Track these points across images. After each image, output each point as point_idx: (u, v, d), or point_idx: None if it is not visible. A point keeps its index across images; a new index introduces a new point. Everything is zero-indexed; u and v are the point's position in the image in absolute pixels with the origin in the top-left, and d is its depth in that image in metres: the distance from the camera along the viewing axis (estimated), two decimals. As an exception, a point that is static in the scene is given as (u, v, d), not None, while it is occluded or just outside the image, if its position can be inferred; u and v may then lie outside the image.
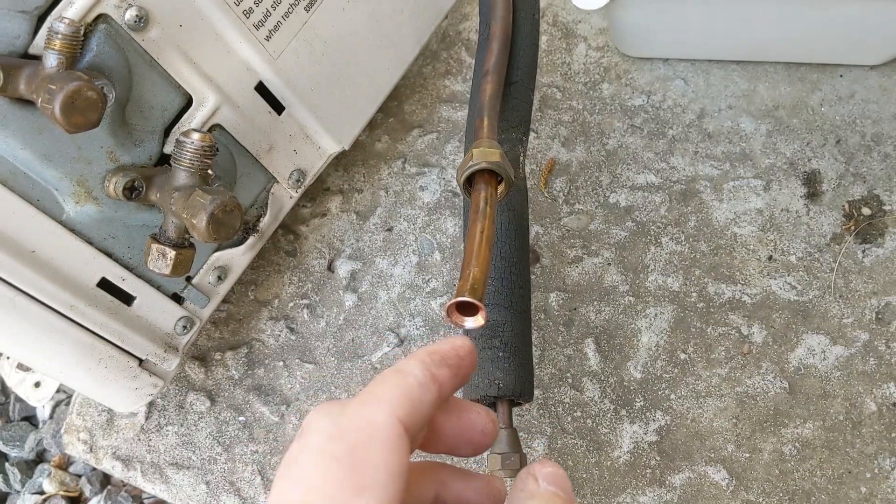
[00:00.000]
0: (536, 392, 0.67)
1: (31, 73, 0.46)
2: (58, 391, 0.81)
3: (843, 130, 0.74)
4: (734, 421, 0.65)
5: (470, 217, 0.45)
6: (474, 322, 0.34)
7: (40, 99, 0.45)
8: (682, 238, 0.72)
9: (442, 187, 0.77)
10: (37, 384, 0.72)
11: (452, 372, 0.30)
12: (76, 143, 0.51)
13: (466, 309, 0.35)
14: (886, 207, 0.71)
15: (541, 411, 0.67)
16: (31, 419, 0.90)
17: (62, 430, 0.72)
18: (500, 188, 0.50)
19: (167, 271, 0.54)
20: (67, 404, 0.88)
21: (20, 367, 0.72)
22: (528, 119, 0.61)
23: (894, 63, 0.75)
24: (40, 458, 0.87)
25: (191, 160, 0.52)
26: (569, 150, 0.77)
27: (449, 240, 0.75)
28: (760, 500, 0.62)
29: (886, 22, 0.69)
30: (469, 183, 0.50)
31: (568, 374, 0.68)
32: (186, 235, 0.54)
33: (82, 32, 0.47)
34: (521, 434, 0.66)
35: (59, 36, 0.46)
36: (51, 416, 0.89)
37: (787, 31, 0.73)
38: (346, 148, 0.69)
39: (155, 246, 0.54)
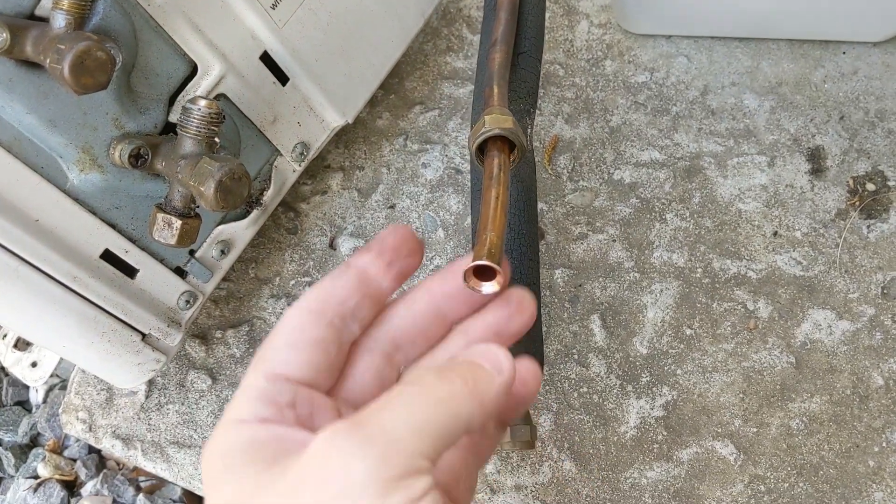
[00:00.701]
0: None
1: (38, 34, 0.45)
2: (52, 375, 0.80)
3: (847, 107, 0.74)
4: (741, 396, 0.65)
5: (484, 183, 0.44)
6: (491, 287, 0.34)
7: (48, 59, 0.43)
8: (687, 214, 0.72)
9: (444, 164, 0.76)
10: (33, 364, 0.71)
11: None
12: (82, 109, 0.49)
13: (483, 274, 0.34)
14: (891, 183, 0.71)
15: (547, 387, 0.67)
16: (24, 404, 0.89)
17: (60, 410, 0.71)
18: (513, 156, 0.49)
19: (173, 241, 0.53)
20: (61, 388, 0.87)
21: (17, 346, 0.70)
22: (535, 90, 0.60)
23: (897, 40, 0.75)
24: (34, 442, 0.85)
25: (197, 127, 0.51)
26: (572, 127, 0.76)
27: (452, 217, 0.74)
28: (768, 474, 0.62)
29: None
30: (481, 150, 0.49)
31: (574, 351, 0.68)
32: (192, 205, 0.53)
33: (89, -7, 0.46)
34: (528, 409, 0.65)
35: (67, -5, 0.44)
36: (44, 401, 0.88)
37: (789, 6, 0.72)
38: (350, 121, 0.68)
39: (160, 215, 0.53)
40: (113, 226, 0.56)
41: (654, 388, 0.66)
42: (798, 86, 0.76)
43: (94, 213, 0.54)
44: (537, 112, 0.77)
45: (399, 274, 0.34)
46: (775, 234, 0.70)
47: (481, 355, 0.30)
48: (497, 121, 0.48)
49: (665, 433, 0.64)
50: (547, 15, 0.81)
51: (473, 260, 0.34)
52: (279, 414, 0.30)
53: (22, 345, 0.71)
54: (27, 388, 0.89)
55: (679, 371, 0.66)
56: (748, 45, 0.78)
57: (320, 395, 0.32)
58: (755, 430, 0.64)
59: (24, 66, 0.46)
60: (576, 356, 0.67)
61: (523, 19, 0.60)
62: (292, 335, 0.31)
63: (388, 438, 0.25)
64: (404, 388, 0.28)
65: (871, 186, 0.71)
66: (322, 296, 0.32)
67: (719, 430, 0.64)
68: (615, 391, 0.66)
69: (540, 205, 0.73)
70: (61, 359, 0.75)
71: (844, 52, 0.76)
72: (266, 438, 0.29)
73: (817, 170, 0.72)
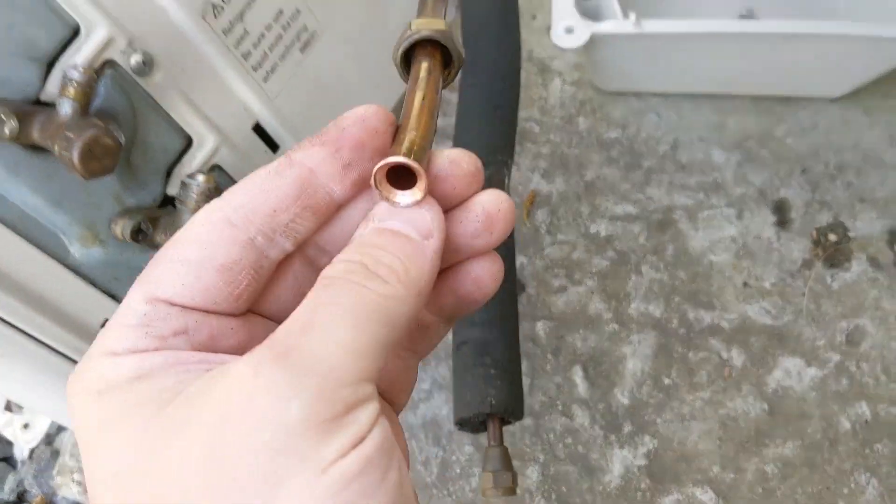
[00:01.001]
0: (528, 420, 0.69)
1: (44, 119, 0.46)
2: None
3: (808, 160, 0.78)
4: (718, 442, 0.68)
5: (408, 87, 0.30)
6: (411, 196, 0.24)
7: (57, 146, 0.45)
8: (662, 266, 0.74)
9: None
10: (25, 426, 0.71)
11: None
12: (85, 189, 0.51)
13: (401, 182, 0.25)
14: (851, 234, 0.74)
15: (533, 439, 0.69)
16: (8, 460, 0.89)
17: (55, 472, 0.71)
18: (448, 70, 0.34)
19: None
20: (47, 444, 0.87)
21: (8, 408, 0.71)
22: (512, 142, 0.62)
23: (853, 95, 0.79)
24: (21, 498, 0.85)
25: (196, 201, 0.53)
26: (549, 182, 0.79)
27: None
28: (746, 518, 0.65)
29: (844, 57, 0.73)
30: (408, 61, 0.37)
31: (558, 402, 0.70)
32: (191, 276, 0.55)
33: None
34: (514, 462, 0.67)
35: (75, 84, 0.46)
36: (30, 457, 0.88)
37: (751, 65, 0.76)
38: (337, 184, 0.70)
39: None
40: (113, 296, 0.57)
41: (636, 438, 0.68)
42: (762, 140, 0.79)
43: (94, 284, 0.55)
44: (515, 168, 0.80)
45: (360, 179, 0.25)
46: (745, 284, 0.73)
47: (405, 221, 0.24)
48: (427, 23, 0.33)
49: (648, 481, 0.67)
50: (523, 74, 0.84)
51: (388, 157, 0.24)
52: (163, 345, 0.22)
53: (13, 406, 0.71)
54: (11, 444, 0.89)
55: (659, 420, 0.69)
56: (714, 102, 0.81)
57: (224, 317, 0.24)
58: (732, 475, 0.66)
59: (30, 149, 0.48)
60: (560, 407, 0.70)
61: (498, 72, 0.62)
62: (194, 250, 0.23)
63: (322, 368, 0.20)
64: (329, 295, 0.22)
65: (833, 237, 0.74)
66: (248, 203, 0.23)
67: (699, 477, 0.66)
68: (599, 441, 0.68)
69: (520, 258, 0.75)
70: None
71: (804, 108, 0.80)
72: (158, 365, 0.22)
73: (783, 221, 0.76)
